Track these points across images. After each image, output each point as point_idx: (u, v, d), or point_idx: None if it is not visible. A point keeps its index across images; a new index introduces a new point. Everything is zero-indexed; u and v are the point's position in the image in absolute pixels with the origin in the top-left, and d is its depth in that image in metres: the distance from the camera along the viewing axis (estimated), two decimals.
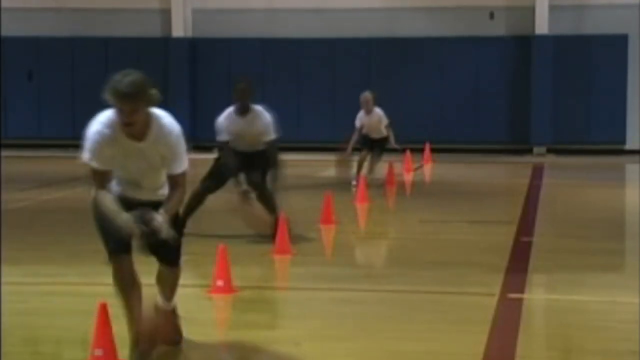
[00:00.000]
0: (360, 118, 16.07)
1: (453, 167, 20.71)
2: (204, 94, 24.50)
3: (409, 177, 18.37)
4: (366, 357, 6.50)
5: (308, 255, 10.16)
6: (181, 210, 7.01)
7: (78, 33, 25.05)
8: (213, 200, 11.11)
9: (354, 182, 15.52)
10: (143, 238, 5.73)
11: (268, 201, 10.61)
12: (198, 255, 9.63)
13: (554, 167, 20.62)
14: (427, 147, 21.36)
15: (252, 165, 10.59)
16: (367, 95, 16.16)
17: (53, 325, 7.29)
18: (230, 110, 10.70)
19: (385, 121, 16.18)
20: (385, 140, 16.28)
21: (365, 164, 16.22)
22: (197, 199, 10.73)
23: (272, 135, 10.62)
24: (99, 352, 5.90)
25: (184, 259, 6.42)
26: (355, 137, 16.02)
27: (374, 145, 16.21)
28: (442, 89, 24.03)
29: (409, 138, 23.13)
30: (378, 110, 16.14)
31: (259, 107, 10.71)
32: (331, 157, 17.50)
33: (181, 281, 6.68)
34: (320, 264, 9.88)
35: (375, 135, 16.16)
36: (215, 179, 10.81)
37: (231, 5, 24.77)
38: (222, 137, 10.69)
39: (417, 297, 8.39)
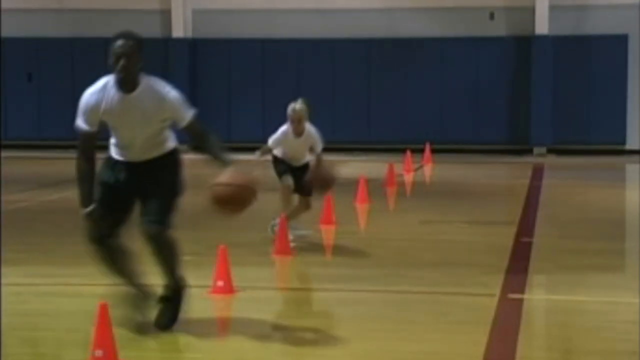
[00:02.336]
0: (284, 140, 10.61)
1: (453, 168, 20.70)
2: (203, 95, 24.49)
3: (409, 178, 18.36)
4: (366, 358, 6.50)
5: (308, 256, 10.17)
6: None
7: (78, 34, 25.04)
8: None
9: (274, 222, 10.68)
10: None
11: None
12: (198, 256, 9.62)
13: (554, 168, 20.62)
14: (427, 147, 21.36)
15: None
16: (299, 109, 10.49)
17: (53, 326, 7.29)
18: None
19: (319, 147, 10.59)
20: (308, 166, 10.74)
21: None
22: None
23: None
24: (99, 353, 5.91)
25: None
26: (260, 157, 10.74)
27: (297, 176, 10.66)
28: (442, 90, 24.02)
29: (409, 138, 23.25)
30: (313, 131, 10.62)
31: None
32: (331, 157, 17.42)
33: None
34: (320, 265, 9.89)
35: (299, 163, 10.75)
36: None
37: (231, 5, 24.77)
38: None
39: (417, 297, 8.39)
